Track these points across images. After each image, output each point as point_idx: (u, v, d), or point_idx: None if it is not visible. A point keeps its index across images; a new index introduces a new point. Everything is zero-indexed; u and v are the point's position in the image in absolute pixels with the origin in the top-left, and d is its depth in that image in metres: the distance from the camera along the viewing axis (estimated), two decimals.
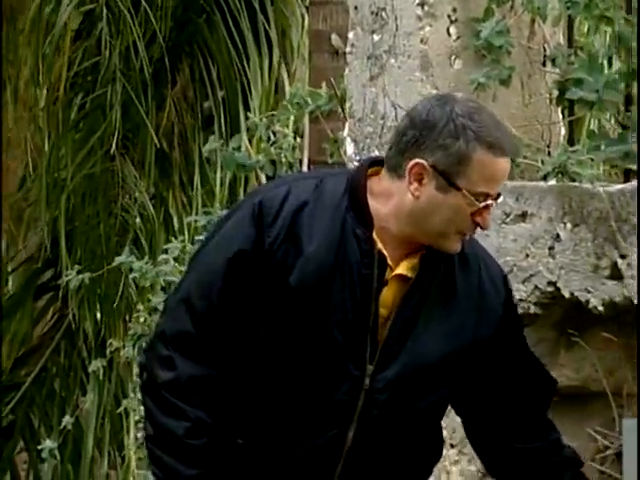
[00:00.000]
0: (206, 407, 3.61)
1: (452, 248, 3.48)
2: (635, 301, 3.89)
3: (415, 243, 3.51)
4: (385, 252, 3.50)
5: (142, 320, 4.97)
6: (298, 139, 4.81)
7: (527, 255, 4.06)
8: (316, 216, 3.52)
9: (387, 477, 3.64)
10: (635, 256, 3.88)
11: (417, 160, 3.40)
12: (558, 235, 4.01)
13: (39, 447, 6.07)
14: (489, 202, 3.43)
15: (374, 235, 3.50)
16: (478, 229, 3.47)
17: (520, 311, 3.93)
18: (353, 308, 3.47)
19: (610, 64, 4.34)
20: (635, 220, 3.90)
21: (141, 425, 3.88)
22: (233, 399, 3.62)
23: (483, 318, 3.55)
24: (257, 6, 7.60)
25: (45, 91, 7.36)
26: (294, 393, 3.54)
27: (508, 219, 4.09)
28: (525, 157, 4.18)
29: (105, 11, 7.17)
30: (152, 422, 3.65)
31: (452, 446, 4.37)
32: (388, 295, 3.50)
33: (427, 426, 3.65)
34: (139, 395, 3.92)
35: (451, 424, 4.15)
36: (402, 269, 3.51)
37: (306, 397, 3.52)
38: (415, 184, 3.44)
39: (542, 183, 4.07)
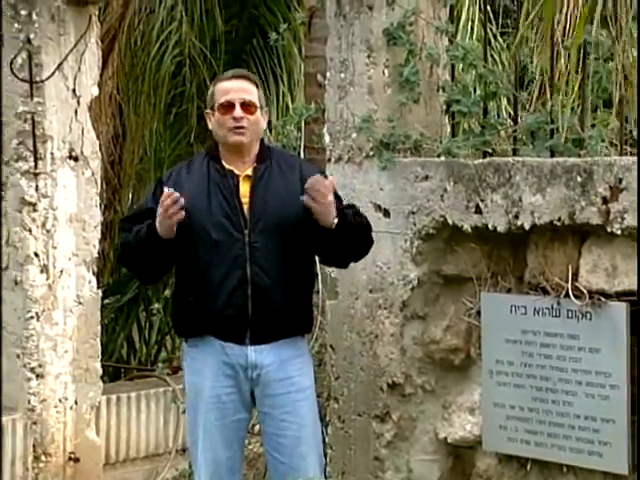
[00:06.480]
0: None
1: (231, 140, 3.62)
2: (490, 227, 3.76)
3: (248, 159, 3.65)
4: (233, 168, 3.63)
5: None
6: (299, 133, 4.79)
7: (428, 200, 3.97)
8: (191, 170, 3.66)
9: (281, 301, 3.63)
10: (489, 200, 3.76)
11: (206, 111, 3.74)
12: (445, 189, 3.93)
13: (151, 307, 6.03)
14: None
15: (224, 163, 3.63)
16: (237, 122, 3.59)
17: (424, 232, 3.96)
18: (227, 204, 3.58)
19: (475, 91, 4.29)
20: (490, 180, 3.76)
21: None
22: (180, 276, 3.70)
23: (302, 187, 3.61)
24: (275, 59, 7.65)
25: (154, 106, 7.38)
26: (214, 256, 3.59)
27: (417, 179, 4.00)
28: (427, 144, 4.10)
29: (187, 61, 7.21)
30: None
31: None
32: (245, 189, 3.61)
33: (298, 263, 3.68)
34: None
35: None
36: (247, 172, 3.63)
37: (220, 257, 3.59)
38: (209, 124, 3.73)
39: (437, 159, 4.03)
